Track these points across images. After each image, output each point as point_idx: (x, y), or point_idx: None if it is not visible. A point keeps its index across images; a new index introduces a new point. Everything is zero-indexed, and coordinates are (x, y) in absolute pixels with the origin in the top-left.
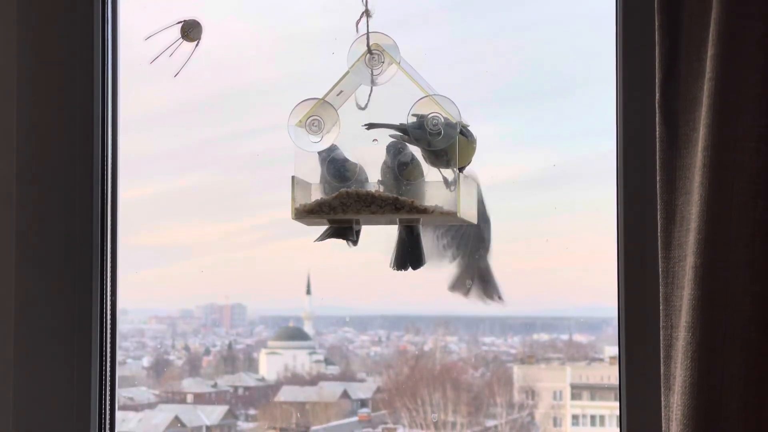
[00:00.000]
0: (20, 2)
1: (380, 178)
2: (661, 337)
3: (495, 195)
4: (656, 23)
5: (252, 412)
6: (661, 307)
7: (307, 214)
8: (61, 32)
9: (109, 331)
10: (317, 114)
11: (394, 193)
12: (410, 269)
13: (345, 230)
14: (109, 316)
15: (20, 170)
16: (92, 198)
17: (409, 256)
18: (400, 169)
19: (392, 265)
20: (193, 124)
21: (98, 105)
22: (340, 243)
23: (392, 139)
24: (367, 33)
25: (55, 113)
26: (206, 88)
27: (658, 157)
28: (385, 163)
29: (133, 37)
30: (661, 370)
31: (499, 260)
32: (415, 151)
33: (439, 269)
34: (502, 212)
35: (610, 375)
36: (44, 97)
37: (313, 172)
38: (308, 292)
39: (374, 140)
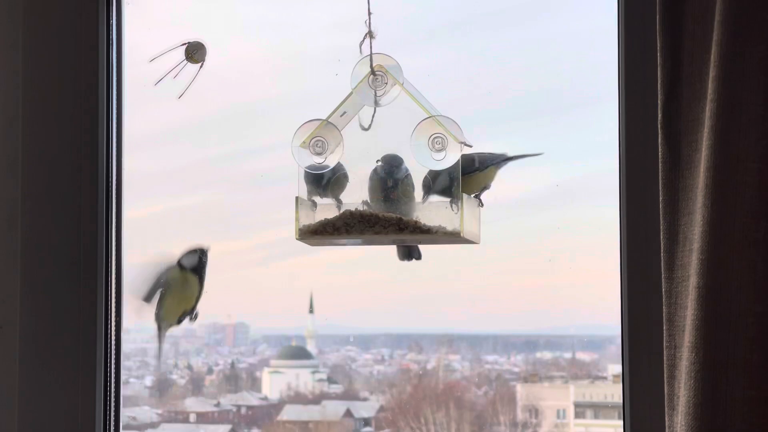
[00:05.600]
0: (25, 22)
1: (365, 199)
2: (664, 357)
3: (498, 213)
4: (658, 45)
5: (255, 431)
6: (664, 327)
7: (311, 234)
8: (66, 52)
9: (113, 350)
10: (321, 135)
11: (394, 211)
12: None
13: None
14: (113, 336)
15: (26, 189)
16: (97, 217)
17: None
18: (394, 180)
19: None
20: (197, 142)
21: (103, 124)
22: (340, 260)
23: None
24: (371, 54)
25: (60, 133)
26: (211, 106)
27: (660, 177)
28: (376, 177)
29: (139, 56)
30: (665, 390)
31: (501, 278)
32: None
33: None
34: (504, 230)
35: (614, 393)
36: (49, 116)
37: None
38: (311, 310)
39: (377, 161)
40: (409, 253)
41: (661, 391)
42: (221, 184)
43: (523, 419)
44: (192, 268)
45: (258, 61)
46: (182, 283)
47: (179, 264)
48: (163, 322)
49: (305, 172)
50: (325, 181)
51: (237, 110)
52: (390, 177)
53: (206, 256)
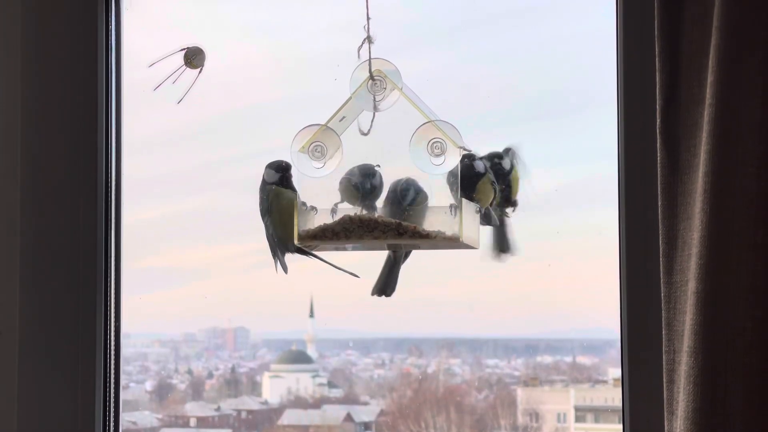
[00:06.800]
0: (24, 27)
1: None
2: (663, 362)
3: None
4: (656, 50)
5: None
6: (663, 332)
7: (310, 239)
8: (65, 57)
9: (113, 355)
10: (320, 140)
11: (396, 218)
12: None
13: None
14: (113, 340)
15: (24, 193)
16: (96, 221)
17: (390, 282)
18: (403, 194)
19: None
20: (195, 146)
21: (102, 128)
22: (340, 265)
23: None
24: (369, 59)
25: (59, 137)
26: (210, 110)
27: (659, 182)
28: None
29: (138, 61)
30: (664, 395)
31: (501, 282)
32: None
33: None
34: None
35: (614, 397)
36: (48, 121)
37: (316, 197)
38: (311, 315)
39: (377, 165)
40: (383, 289)
41: (661, 395)
42: (221, 188)
43: (523, 423)
44: (276, 183)
45: (257, 65)
46: (274, 197)
47: (263, 181)
48: (282, 244)
49: (352, 184)
50: (369, 191)
51: (236, 114)
52: (403, 201)
53: (289, 171)
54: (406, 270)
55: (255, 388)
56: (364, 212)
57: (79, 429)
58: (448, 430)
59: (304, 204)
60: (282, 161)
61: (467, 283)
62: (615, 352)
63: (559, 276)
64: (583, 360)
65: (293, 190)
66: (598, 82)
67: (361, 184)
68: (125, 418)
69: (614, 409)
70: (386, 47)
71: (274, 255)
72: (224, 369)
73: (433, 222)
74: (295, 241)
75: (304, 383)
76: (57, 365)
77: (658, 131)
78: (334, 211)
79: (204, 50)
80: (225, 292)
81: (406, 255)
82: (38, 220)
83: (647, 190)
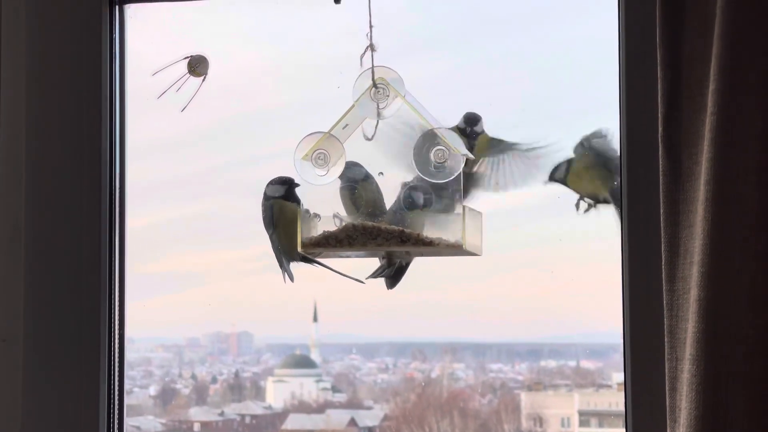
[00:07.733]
0: (28, 33)
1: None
2: (666, 369)
3: (499, 223)
4: (658, 58)
5: None
6: (665, 340)
7: (313, 246)
8: (70, 65)
9: (117, 360)
10: (323, 147)
11: (400, 224)
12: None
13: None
14: (116, 345)
15: (29, 201)
16: (100, 226)
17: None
18: (408, 203)
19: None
20: (199, 151)
21: (106, 134)
22: (343, 270)
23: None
24: (372, 67)
25: (63, 144)
26: (213, 116)
27: (661, 190)
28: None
29: (141, 65)
30: (667, 403)
31: (505, 287)
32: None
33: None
34: (506, 241)
35: (618, 402)
36: (52, 128)
37: (319, 205)
38: (315, 319)
39: (380, 173)
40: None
41: (664, 402)
42: (224, 193)
43: (527, 427)
44: (280, 197)
45: (260, 72)
46: (279, 210)
47: (265, 196)
48: (287, 254)
49: (346, 190)
50: (360, 198)
51: (239, 119)
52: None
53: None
54: (409, 273)
55: (259, 392)
56: (368, 220)
57: None
58: None
59: (307, 211)
60: (284, 177)
61: (470, 287)
62: (619, 357)
63: (562, 281)
64: (587, 364)
65: (297, 201)
66: (600, 88)
67: (352, 179)
68: (129, 423)
69: (618, 413)
70: (388, 53)
71: (281, 265)
72: (228, 374)
73: (435, 229)
74: (299, 249)
75: (308, 388)
76: (61, 370)
77: (659, 139)
78: (337, 217)
79: (207, 58)
80: (228, 296)
81: (399, 273)
82: (42, 226)
83: (649, 198)
